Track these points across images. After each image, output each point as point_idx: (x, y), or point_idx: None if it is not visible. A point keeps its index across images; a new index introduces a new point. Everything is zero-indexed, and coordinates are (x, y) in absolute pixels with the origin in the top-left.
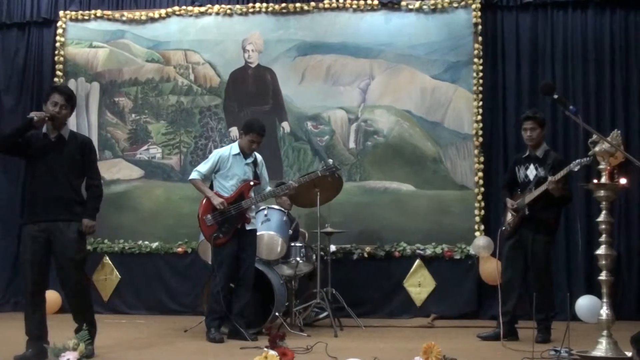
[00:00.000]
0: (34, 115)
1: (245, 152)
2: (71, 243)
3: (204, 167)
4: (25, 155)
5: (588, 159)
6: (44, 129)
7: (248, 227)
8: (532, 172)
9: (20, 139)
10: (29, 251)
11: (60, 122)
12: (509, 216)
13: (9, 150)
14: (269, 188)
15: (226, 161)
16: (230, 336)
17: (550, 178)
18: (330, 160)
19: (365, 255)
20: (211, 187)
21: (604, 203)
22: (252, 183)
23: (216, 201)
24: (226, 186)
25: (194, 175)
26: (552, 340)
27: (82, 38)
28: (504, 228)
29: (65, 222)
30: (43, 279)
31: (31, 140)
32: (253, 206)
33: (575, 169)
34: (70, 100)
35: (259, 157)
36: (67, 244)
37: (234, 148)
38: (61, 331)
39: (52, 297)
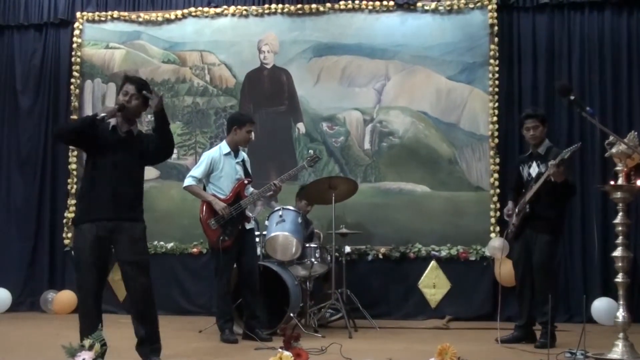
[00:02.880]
0: (104, 112)
1: (236, 150)
2: (135, 244)
3: (197, 171)
4: (89, 148)
5: (577, 145)
6: (114, 122)
7: (247, 227)
8: (534, 169)
9: (87, 131)
10: (88, 252)
11: (131, 114)
12: (514, 218)
13: (73, 142)
14: (251, 189)
15: (218, 162)
16: (245, 337)
17: (550, 164)
18: (311, 151)
19: (380, 256)
20: (204, 190)
21: (620, 205)
22: (246, 181)
23: (219, 207)
24: (222, 187)
25: (188, 181)
26: (556, 346)
27: (98, 39)
28: (509, 229)
29: (130, 222)
30: (102, 282)
31: (97, 133)
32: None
33: (566, 156)
34: (142, 90)
35: (245, 154)
36: (131, 245)
37: (224, 148)
38: (78, 330)
39: (67, 297)
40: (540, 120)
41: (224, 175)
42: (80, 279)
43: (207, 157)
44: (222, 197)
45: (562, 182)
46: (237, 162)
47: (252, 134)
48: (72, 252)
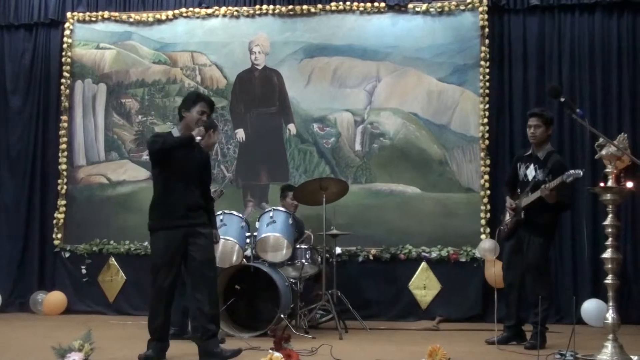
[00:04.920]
0: (197, 136)
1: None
2: (208, 244)
3: None
4: (165, 162)
5: (581, 172)
6: (178, 134)
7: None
8: (531, 172)
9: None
10: (168, 255)
11: (192, 127)
12: (508, 216)
13: (163, 158)
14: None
15: None
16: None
17: (543, 187)
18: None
19: (371, 257)
20: None
21: (610, 206)
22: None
23: None
24: None
25: None
26: (546, 347)
27: (89, 39)
28: (502, 228)
29: (202, 227)
30: (176, 283)
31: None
32: None
33: (568, 180)
34: (212, 110)
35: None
36: (205, 245)
37: None
38: (67, 331)
39: (57, 298)
40: (543, 121)
41: None
42: (156, 282)
43: None
44: None
45: (554, 202)
46: None
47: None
48: (152, 256)
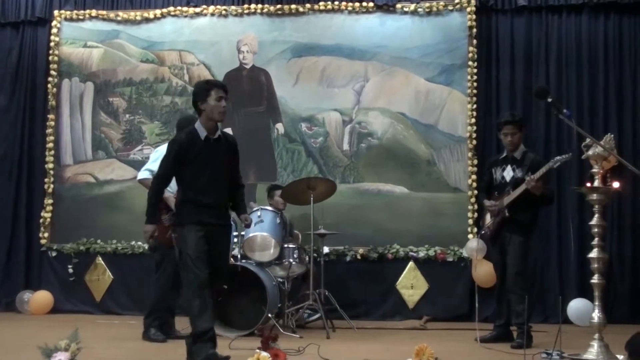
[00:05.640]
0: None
1: None
2: (228, 246)
3: (154, 165)
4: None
5: (568, 155)
6: (204, 132)
7: None
8: (508, 173)
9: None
10: (202, 248)
11: (216, 120)
12: (488, 219)
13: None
14: None
15: None
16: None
17: (528, 177)
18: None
19: (358, 257)
20: None
21: (596, 206)
22: None
23: (173, 203)
24: (171, 185)
25: (145, 174)
26: (533, 346)
27: (76, 38)
28: (483, 232)
29: (226, 228)
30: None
31: (190, 149)
32: None
33: (555, 166)
34: (227, 92)
35: None
36: (226, 246)
37: None
38: (54, 331)
39: (43, 297)
40: (518, 127)
41: None
42: (187, 277)
43: (161, 153)
44: (169, 194)
45: (540, 194)
46: None
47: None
48: (178, 253)
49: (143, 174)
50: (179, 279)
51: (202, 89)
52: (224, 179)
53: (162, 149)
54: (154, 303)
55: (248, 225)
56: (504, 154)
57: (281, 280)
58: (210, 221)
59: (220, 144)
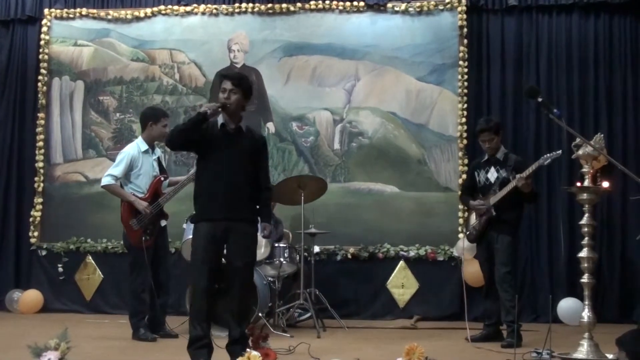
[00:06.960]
0: (207, 108)
1: (152, 147)
2: (249, 245)
3: (116, 170)
4: (200, 149)
5: (558, 152)
6: (221, 120)
7: (162, 224)
8: (493, 174)
9: (197, 130)
10: (201, 250)
11: (234, 110)
12: (473, 219)
13: (183, 146)
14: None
15: (137, 160)
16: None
17: (518, 175)
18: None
19: (349, 256)
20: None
21: (586, 206)
22: (162, 178)
23: (141, 206)
24: (140, 185)
25: (107, 180)
26: (523, 345)
27: (67, 36)
28: (468, 232)
29: (244, 223)
30: (214, 281)
31: (207, 133)
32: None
33: (545, 163)
34: (240, 85)
35: (159, 150)
36: (245, 245)
37: (141, 145)
38: (43, 330)
39: (33, 296)
40: (494, 132)
41: (143, 173)
42: (193, 278)
43: (126, 155)
44: (140, 195)
45: (529, 192)
46: (154, 159)
47: (167, 127)
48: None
49: (106, 179)
50: (158, 278)
51: (217, 83)
52: (242, 172)
53: (127, 151)
54: (131, 305)
55: (266, 236)
56: (486, 157)
57: (272, 279)
58: (223, 216)
59: (242, 137)
